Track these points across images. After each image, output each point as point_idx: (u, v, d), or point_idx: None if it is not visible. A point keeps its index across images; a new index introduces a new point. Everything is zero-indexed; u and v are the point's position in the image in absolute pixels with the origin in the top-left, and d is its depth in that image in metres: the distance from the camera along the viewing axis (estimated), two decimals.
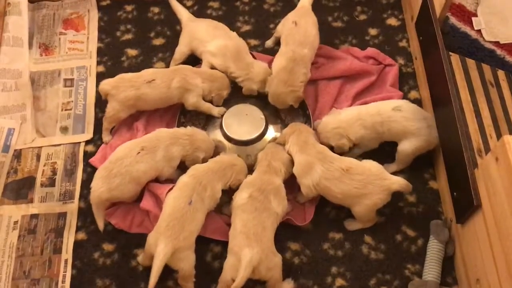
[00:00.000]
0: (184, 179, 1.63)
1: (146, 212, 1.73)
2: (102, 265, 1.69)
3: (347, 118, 1.75)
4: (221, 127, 1.85)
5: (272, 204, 1.60)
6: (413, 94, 1.98)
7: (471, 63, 1.95)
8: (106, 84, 1.84)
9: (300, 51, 1.83)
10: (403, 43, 2.11)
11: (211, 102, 1.88)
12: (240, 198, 1.62)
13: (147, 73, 1.85)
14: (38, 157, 1.89)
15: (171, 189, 1.70)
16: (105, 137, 1.90)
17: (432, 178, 1.81)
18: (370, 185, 1.59)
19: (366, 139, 1.74)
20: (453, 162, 1.63)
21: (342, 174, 1.61)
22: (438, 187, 1.79)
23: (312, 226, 1.74)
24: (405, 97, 1.96)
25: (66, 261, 1.70)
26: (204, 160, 1.73)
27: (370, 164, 1.65)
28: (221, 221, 1.70)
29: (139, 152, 1.67)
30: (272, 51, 2.04)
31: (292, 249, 1.70)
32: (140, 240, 1.70)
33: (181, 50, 1.99)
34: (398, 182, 1.61)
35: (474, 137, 1.76)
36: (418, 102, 1.96)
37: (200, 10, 2.22)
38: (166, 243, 1.48)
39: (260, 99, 1.92)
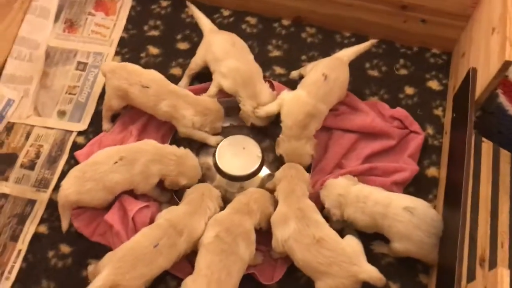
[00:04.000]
0: (159, 220, 1.53)
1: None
2: (53, 266, 1.62)
3: (355, 194, 1.57)
4: (213, 155, 1.73)
5: (239, 248, 1.47)
6: (431, 171, 1.78)
7: (505, 155, 1.72)
8: (107, 65, 1.78)
9: (320, 106, 1.68)
10: (438, 112, 1.90)
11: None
12: (206, 236, 1.50)
13: (149, 75, 1.75)
14: (28, 135, 1.84)
15: (144, 207, 1.61)
16: (105, 124, 1.83)
17: (424, 271, 1.61)
18: (336, 266, 1.42)
19: (359, 225, 1.57)
20: (446, 266, 1.43)
21: (312, 243, 1.46)
22: (428, 282, 1.60)
23: (277, 287, 1.59)
24: (422, 173, 1.77)
25: (19, 251, 1.63)
26: (186, 186, 1.62)
27: (348, 243, 1.49)
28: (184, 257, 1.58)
29: (116, 162, 1.58)
30: (295, 84, 1.87)
31: None
32: (98, 250, 1.62)
33: (196, 61, 1.88)
34: (369, 273, 1.43)
35: (481, 242, 1.54)
36: (434, 181, 1.76)
37: (235, 23, 2.09)
38: (109, 274, 1.38)
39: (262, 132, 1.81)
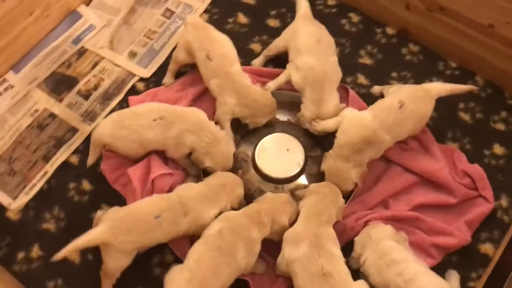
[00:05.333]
0: (171, 194, 1.46)
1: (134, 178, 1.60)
2: (69, 199, 1.63)
3: (383, 250, 1.37)
4: (254, 148, 1.61)
5: (238, 253, 1.36)
6: (486, 247, 1.53)
7: None
8: (193, 18, 1.71)
9: (383, 135, 1.48)
10: None
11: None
12: (210, 228, 1.41)
13: (219, 48, 1.64)
14: (95, 65, 1.84)
15: (167, 174, 1.56)
16: (167, 78, 1.79)
17: None
18: None
19: (369, 279, 1.38)
20: None
21: (317, 275, 1.31)
22: None
23: None
24: (474, 245, 1.52)
25: (45, 173, 1.66)
26: (211, 170, 1.55)
27: (358, 287, 1.33)
28: (187, 237, 1.51)
29: (155, 120, 1.53)
30: (373, 100, 1.67)
31: None
32: (114, 198, 1.61)
33: (278, 43, 1.76)
34: None
35: None
36: (485, 259, 1.51)
37: (336, 15, 1.93)
38: (103, 231, 1.35)
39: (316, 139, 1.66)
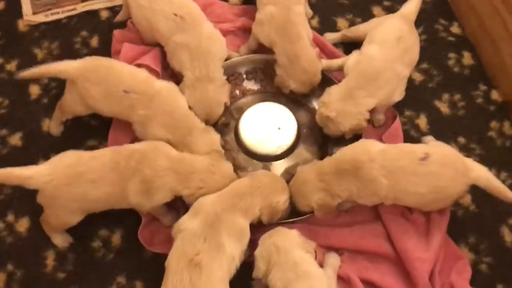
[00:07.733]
0: (160, 84, 1.31)
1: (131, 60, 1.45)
2: (72, 43, 1.59)
3: (294, 261, 1.07)
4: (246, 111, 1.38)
5: (129, 184, 1.16)
6: None
7: None
8: None
9: (379, 175, 1.15)
10: None
11: None
12: (135, 144, 1.24)
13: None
14: None
15: (155, 70, 1.41)
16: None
17: None
18: None
19: None
20: None
21: (188, 258, 1.07)
22: None
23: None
24: None
25: (74, 9, 1.65)
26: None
27: None
28: (128, 139, 1.36)
29: (176, 15, 1.37)
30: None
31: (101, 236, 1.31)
32: None
33: (360, 27, 1.52)
34: None
35: None
36: None
37: (447, 45, 1.58)
38: (76, 68, 1.29)
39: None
